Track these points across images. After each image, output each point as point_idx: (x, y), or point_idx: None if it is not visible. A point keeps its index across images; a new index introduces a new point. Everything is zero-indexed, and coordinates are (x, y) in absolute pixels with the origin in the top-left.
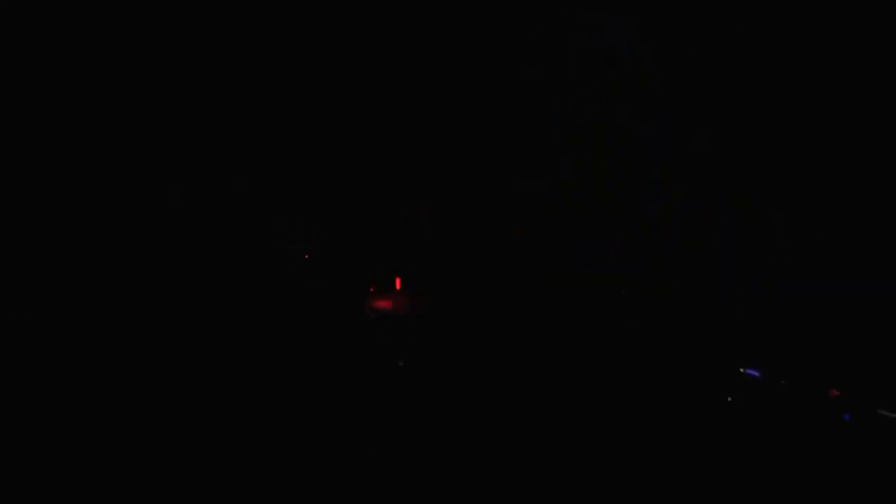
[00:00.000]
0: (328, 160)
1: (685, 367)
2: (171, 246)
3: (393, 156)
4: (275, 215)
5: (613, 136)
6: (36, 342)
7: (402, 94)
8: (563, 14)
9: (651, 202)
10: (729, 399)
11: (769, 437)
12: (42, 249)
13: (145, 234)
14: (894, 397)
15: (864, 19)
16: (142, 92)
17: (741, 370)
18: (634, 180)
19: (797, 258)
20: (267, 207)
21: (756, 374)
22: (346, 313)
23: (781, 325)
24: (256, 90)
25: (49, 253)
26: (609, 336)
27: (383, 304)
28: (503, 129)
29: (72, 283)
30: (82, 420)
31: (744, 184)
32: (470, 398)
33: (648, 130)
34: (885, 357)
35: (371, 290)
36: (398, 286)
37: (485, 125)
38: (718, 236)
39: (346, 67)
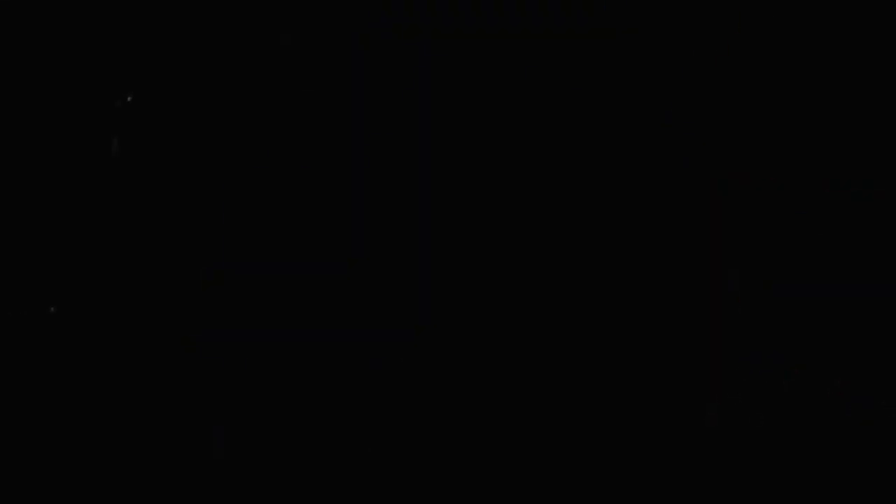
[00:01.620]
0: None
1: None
2: (171, 245)
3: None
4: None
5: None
6: (36, 342)
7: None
8: None
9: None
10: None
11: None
12: (43, 249)
13: (146, 232)
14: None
15: (863, 18)
16: (142, 93)
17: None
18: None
19: (797, 258)
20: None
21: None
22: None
23: (781, 322)
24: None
25: (49, 252)
26: (607, 334)
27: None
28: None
29: (72, 283)
30: (83, 418)
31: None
32: (468, 395)
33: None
34: (886, 355)
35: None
36: None
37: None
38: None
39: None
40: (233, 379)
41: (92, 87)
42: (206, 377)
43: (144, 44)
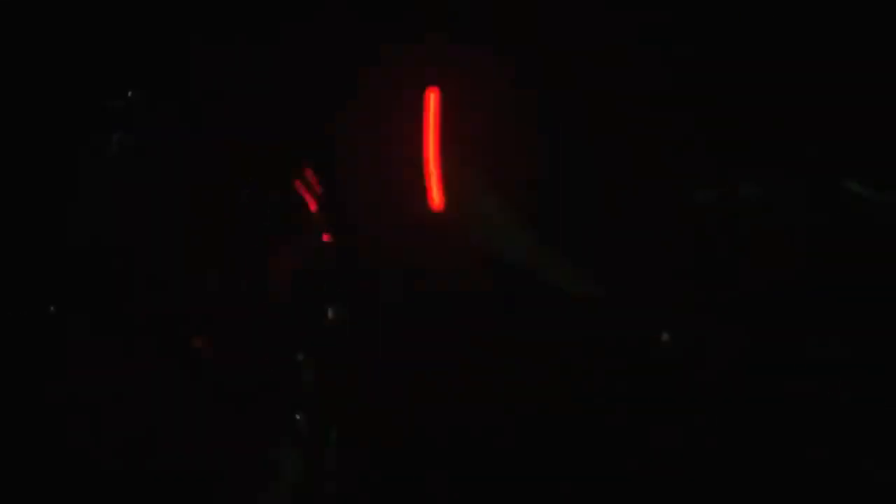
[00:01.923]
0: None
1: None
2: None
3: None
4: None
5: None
6: (36, 342)
7: None
8: None
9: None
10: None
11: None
12: (42, 248)
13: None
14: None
15: (862, 17)
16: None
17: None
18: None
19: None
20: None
21: None
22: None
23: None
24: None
25: (49, 252)
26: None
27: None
28: None
29: (72, 282)
30: (83, 420)
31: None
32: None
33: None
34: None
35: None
36: None
37: None
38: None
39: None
40: (231, 378)
41: (93, 86)
42: (205, 376)
43: (145, 43)
